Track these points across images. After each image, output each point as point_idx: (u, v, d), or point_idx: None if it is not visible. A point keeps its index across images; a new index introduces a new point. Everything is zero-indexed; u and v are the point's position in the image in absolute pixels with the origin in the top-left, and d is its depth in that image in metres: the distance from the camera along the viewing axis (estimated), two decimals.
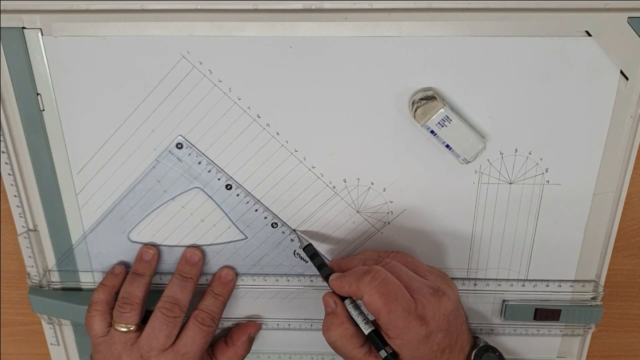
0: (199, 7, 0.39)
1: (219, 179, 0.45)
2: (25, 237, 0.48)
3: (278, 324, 0.52)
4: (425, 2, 0.38)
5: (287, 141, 0.43)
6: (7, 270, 0.51)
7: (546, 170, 0.44)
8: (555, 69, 0.40)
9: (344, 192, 0.45)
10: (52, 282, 0.49)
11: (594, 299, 0.49)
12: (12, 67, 0.41)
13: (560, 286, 0.48)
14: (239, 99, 0.42)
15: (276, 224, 0.46)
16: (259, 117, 0.42)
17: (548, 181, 0.44)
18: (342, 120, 0.42)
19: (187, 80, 0.41)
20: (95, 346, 0.46)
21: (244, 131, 0.43)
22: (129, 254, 0.48)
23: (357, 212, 0.46)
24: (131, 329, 0.45)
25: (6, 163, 0.45)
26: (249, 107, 0.42)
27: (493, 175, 0.44)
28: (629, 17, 0.38)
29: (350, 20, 0.39)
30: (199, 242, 0.48)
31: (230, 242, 0.47)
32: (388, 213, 0.46)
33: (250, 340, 0.50)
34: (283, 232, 0.47)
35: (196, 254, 0.47)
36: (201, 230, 0.47)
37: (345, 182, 0.45)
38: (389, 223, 0.46)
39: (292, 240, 0.47)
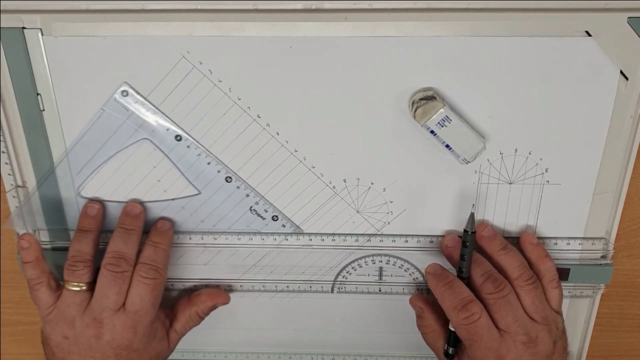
0: (199, 7, 0.39)
1: (167, 130, 0.43)
2: None
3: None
4: (425, 2, 0.38)
5: (287, 141, 0.43)
6: (7, 270, 0.51)
7: (546, 170, 0.44)
8: (555, 69, 0.40)
9: (344, 192, 0.45)
10: (42, 241, 0.47)
11: (603, 257, 0.47)
12: (12, 67, 0.41)
13: (569, 244, 0.47)
14: (239, 99, 0.42)
15: (230, 177, 0.44)
16: (259, 117, 0.42)
17: (548, 181, 0.44)
18: (342, 120, 0.42)
19: (187, 80, 0.41)
20: (46, 317, 0.43)
21: (244, 131, 0.43)
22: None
23: (357, 212, 0.46)
24: (83, 287, 0.42)
25: (6, 163, 0.44)
26: (249, 107, 0.42)
27: (493, 175, 0.44)
28: (629, 17, 0.38)
29: (350, 20, 0.39)
30: (151, 198, 0.45)
31: (183, 197, 0.45)
32: (388, 213, 0.46)
33: (213, 309, 0.49)
34: (238, 187, 0.45)
35: (137, 207, 0.45)
36: (151, 185, 0.45)
37: (345, 182, 0.45)
38: (389, 223, 0.46)
39: (247, 195, 0.45)
